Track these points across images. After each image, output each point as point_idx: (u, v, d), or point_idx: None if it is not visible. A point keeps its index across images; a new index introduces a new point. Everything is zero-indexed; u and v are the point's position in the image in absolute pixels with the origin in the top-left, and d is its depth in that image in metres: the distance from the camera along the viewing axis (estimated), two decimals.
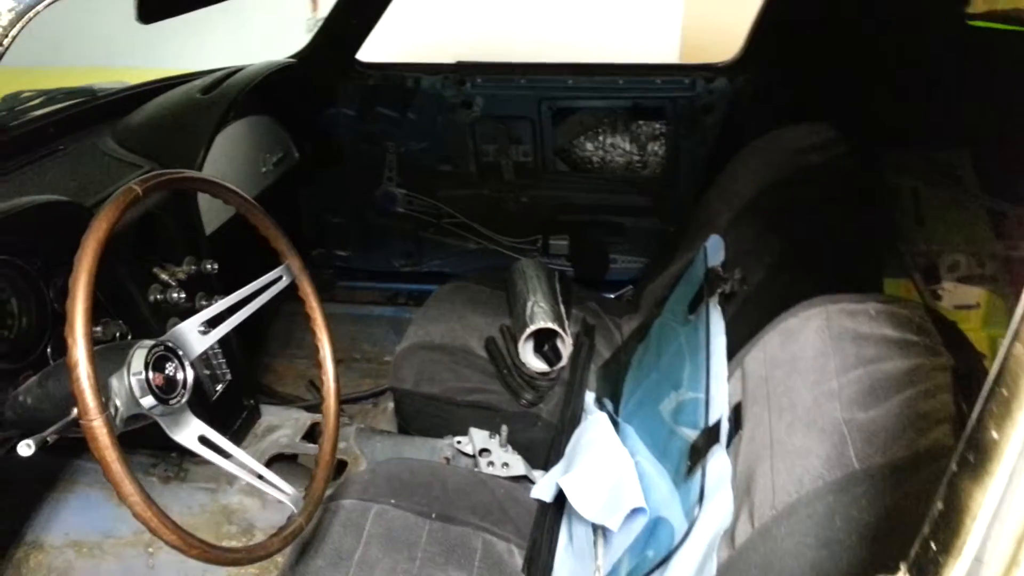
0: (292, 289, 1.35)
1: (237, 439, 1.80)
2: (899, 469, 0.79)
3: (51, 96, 1.76)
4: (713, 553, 0.99)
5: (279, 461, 1.83)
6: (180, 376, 1.11)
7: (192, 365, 1.14)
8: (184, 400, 1.12)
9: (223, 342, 1.74)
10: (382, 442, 1.78)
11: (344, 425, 1.87)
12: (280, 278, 1.31)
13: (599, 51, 2.62)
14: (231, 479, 1.71)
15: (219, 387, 1.72)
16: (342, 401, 2.28)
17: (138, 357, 1.06)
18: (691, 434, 1.22)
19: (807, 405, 0.95)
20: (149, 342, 1.09)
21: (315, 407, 2.24)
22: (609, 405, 1.72)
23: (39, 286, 1.32)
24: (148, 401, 1.06)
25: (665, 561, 1.08)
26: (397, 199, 2.41)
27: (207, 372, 1.69)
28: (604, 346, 1.97)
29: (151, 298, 1.53)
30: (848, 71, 1.85)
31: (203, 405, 1.67)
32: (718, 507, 1.04)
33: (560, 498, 1.46)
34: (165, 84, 1.94)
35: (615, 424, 1.59)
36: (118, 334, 1.45)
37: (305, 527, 1.17)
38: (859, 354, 0.95)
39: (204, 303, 1.64)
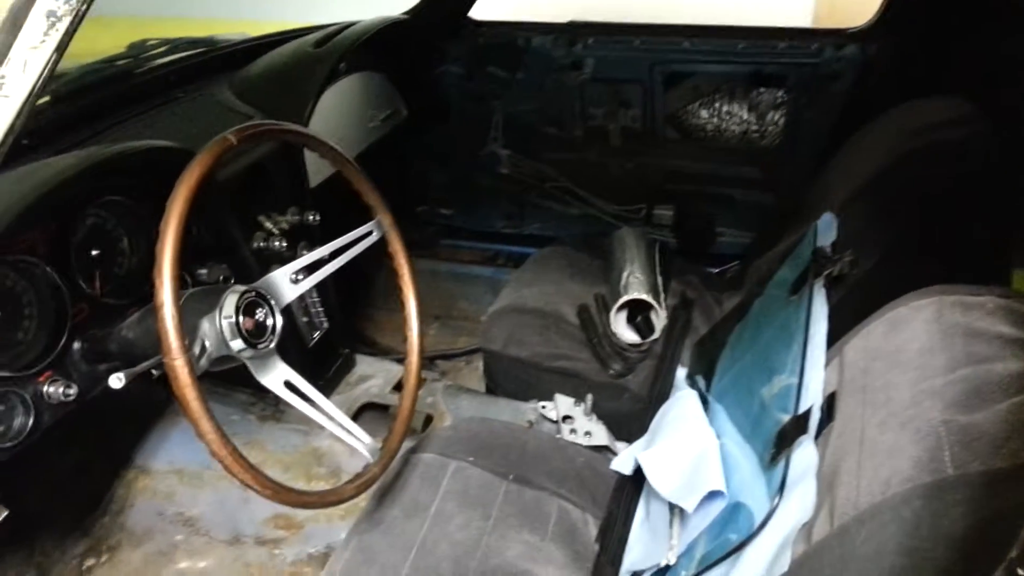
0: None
1: (330, 386, 1.86)
2: (997, 480, 0.71)
3: (174, 45, 1.84)
4: (788, 546, 0.94)
5: (370, 410, 1.88)
6: (269, 322, 1.15)
7: (282, 312, 1.17)
8: (272, 345, 1.15)
9: (322, 292, 1.80)
10: (468, 400, 1.80)
11: (433, 380, 1.90)
12: (371, 233, 1.33)
13: (724, 14, 2.49)
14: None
15: (316, 334, 1.78)
16: (435, 357, 2.34)
17: (230, 301, 1.10)
18: (781, 420, 1.16)
19: (904, 402, 0.88)
20: (241, 287, 1.13)
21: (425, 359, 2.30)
22: (701, 383, 1.66)
23: (149, 227, 1.39)
24: (237, 344, 1.09)
25: (740, 548, 1.04)
26: (502, 160, 2.40)
27: (304, 319, 1.75)
28: (702, 322, 1.90)
29: (255, 245, 1.59)
30: (993, 42, 1.68)
31: (299, 351, 1.74)
32: (799, 499, 0.98)
33: (639, 473, 1.42)
34: (282, 37, 2.00)
35: (705, 403, 1.54)
36: (221, 277, 1.52)
37: (379, 477, 1.19)
38: (969, 352, 0.86)
39: (304, 253, 1.68)
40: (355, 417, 1.82)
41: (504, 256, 2.51)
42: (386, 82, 2.15)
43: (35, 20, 0.68)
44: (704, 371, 1.71)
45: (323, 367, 1.84)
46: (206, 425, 0.92)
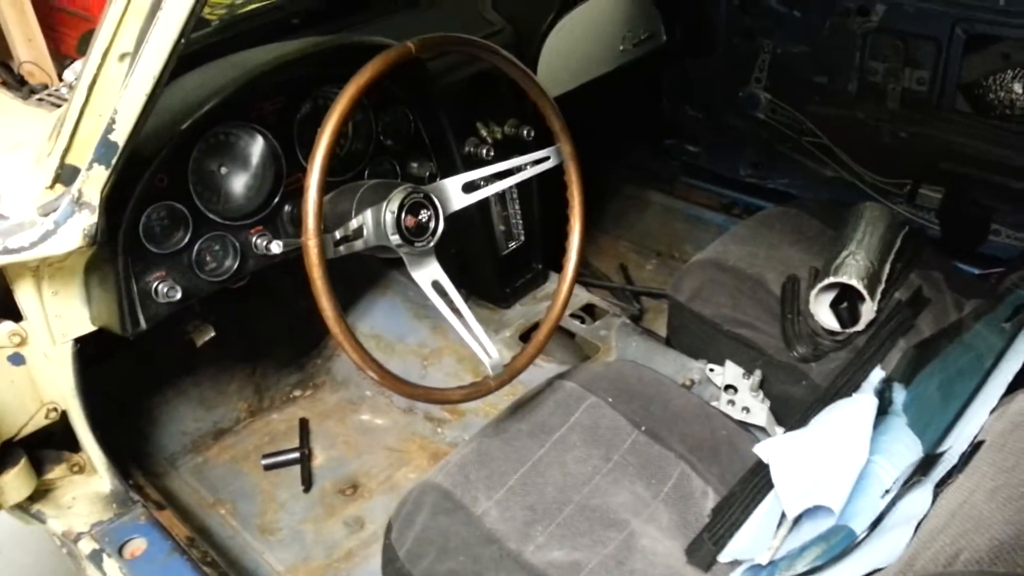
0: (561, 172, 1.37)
1: (515, 296, 1.94)
2: None
3: None
4: None
5: None
6: (432, 225, 1.22)
7: (447, 218, 1.24)
8: (430, 245, 1.24)
9: (524, 206, 1.86)
10: (638, 343, 1.78)
11: (614, 315, 1.89)
12: (548, 158, 1.33)
13: None
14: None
15: (511, 244, 1.85)
16: (627, 290, 2.30)
17: (396, 197, 1.19)
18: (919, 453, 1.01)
19: None
20: (411, 187, 1.21)
21: (617, 292, 2.30)
22: (900, 393, 1.48)
23: (370, 118, 1.52)
24: (395, 238, 1.19)
25: (814, 573, 0.95)
26: (761, 104, 2.22)
27: (503, 228, 1.83)
28: (929, 325, 1.66)
29: (465, 149, 1.67)
30: None
31: (491, 257, 1.82)
32: (888, 544, 0.87)
33: None
34: None
35: (884, 413, 1.38)
36: (428, 173, 1.63)
37: (492, 391, 1.25)
38: None
39: None
40: (530, 330, 1.89)
41: (741, 206, 2.37)
42: (650, 2, 2.07)
43: None
44: (905, 379, 1.51)
45: (511, 277, 1.91)
46: (325, 302, 1.03)
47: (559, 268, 1.37)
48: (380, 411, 1.99)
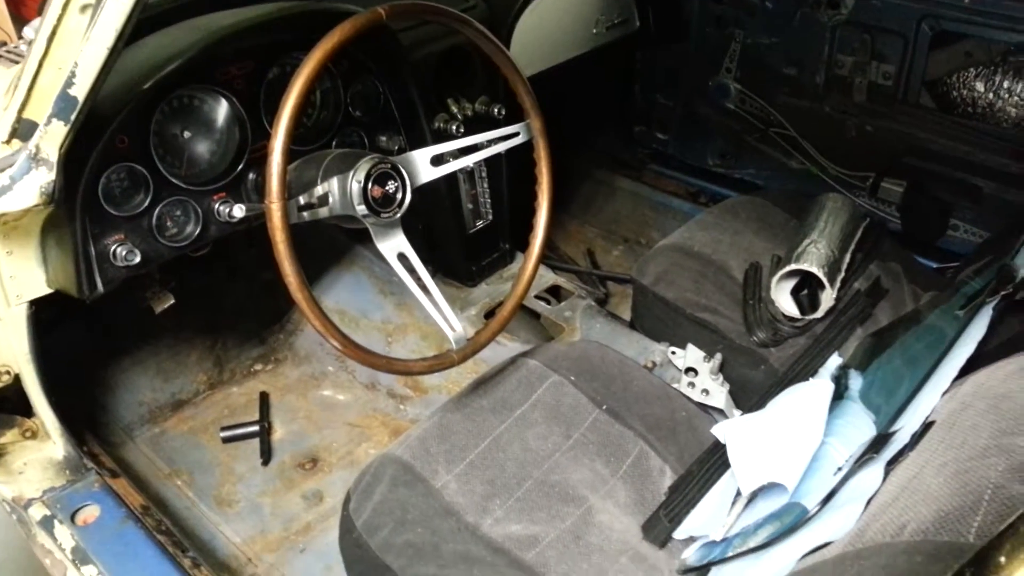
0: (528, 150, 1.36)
1: (481, 275, 1.94)
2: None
3: None
4: (798, 558, 0.86)
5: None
6: (399, 196, 1.21)
7: (415, 190, 1.24)
8: (396, 217, 1.23)
9: (493, 185, 1.85)
10: (602, 325, 1.79)
11: (580, 297, 1.90)
12: (517, 134, 1.33)
13: None
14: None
15: (479, 223, 1.85)
16: (593, 275, 2.31)
17: (363, 167, 1.18)
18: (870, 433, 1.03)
19: (975, 450, 0.75)
20: (378, 157, 1.20)
21: (584, 276, 2.31)
22: (854, 377, 1.51)
23: (339, 87, 1.51)
24: (361, 208, 1.18)
25: (765, 547, 0.97)
26: (730, 94, 2.24)
27: (470, 207, 1.82)
28: (886, 315, 1.70)
29: (435, 125, 1.66)
30: None
31: (457, 233, 1.82)
32: (840, 519, 0.89)
33: None
34: None
35: (840, 398, 1.40)
36: (397, 147, 1.61)
37: (455, 364, 1.25)
38: None
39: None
40: (493, 309, 1.89)
41: (708, 195, 2.38)
42: None
43: None
44: (860, 366, 1.54)
45: (477, 256, 1.91)
46: (288, 267, 1.02)
47: (526, 249, 1.37)
48: (342, 387, 1.98)
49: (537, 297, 1.89)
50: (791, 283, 1.65)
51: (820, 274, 1.57)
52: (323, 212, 1.16)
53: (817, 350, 1.59)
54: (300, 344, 2.08)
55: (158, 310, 1.48)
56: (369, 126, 1.58)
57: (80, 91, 0.98)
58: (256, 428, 1.82)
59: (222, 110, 1.36)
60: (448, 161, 1.30)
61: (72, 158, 1.11)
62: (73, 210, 1.20)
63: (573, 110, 2.26)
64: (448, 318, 1.25)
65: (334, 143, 1.53)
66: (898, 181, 2.02)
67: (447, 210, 1.78)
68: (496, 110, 1.71)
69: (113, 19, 0.89)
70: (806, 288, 1.64)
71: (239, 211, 1.18)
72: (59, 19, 0.91)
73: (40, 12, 1.85)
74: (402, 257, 1.26)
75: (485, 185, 1.82)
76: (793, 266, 1.59)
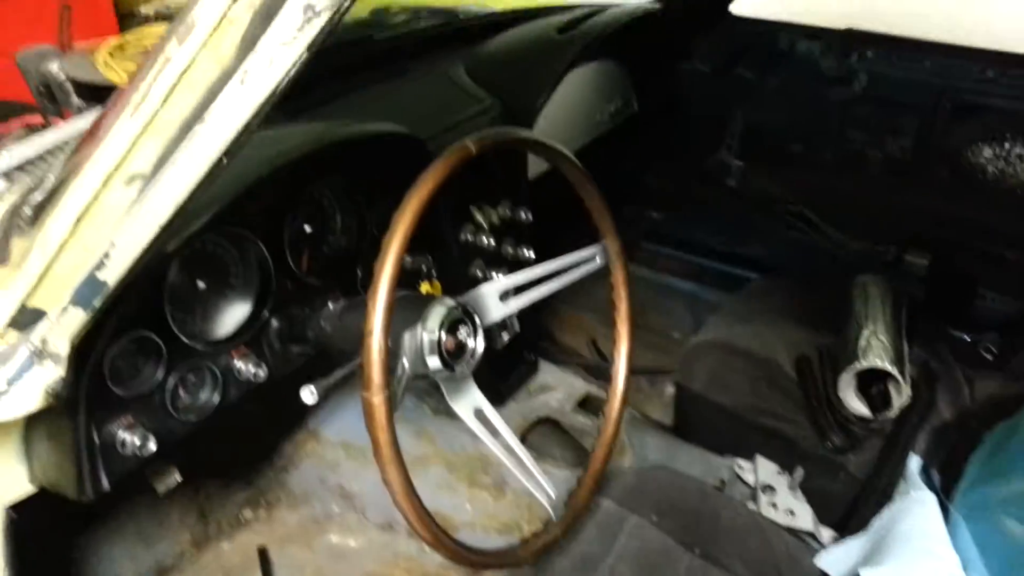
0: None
1: (510, 391, 1.76)
2: None
3: (416, 14, 1.76)
4: None
5: (544, 424, 1.76)
6: (471, 344, 1.03)
7: (484, 334, 1.05)
8: (470, 370, 1.04)
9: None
10: (655, 439, 1.63)
11: None
12: (594, 258, 1.18)
13: None
14: None
15: (506, 337, 1.67)
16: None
17: (435, 314, 0.99)
18: None
19: None
20: (450, 301, 1.02)
21: (593, 369, 2.15)
22: (937, 479, 1.40)
23: (362, 210, 1.32)
24: (434, 362, 0.99)
25: None
26: (731, 171, 2.16)
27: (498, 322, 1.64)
28: (945, 402, 1.61)
29: (462, 238, 1.49)
30: None
31: (486, 353, 1.63)
32: None
33: None
34: (525, 14, 1.86)
35: (944, 511, 1.28)
36: (424, 267, 1.43)
37: (561, 539, 1.06)
38: None
39: (510, 251, 1.57)
40: (529, 430, 1.71)
41: (711, 273, 2.28)
42: (622, 73, 1.97)
43: (290, 12, 0.57)
44: (945, 467, 1.43)
45: (508, 371, 1.73)
46: (393, 473, 0.83)
47: (609, 386, 1.21)
48: (352, 530, 1.74)
49: (575, 411, 1.72)
50: (855, 380, 1.54)
51: (893, 370, 1.47)
52: (401, 388, 0.95)
53: (896, 453, 1.47)
54: (295, 482, 1.83)
55: (162, 491, 1.23)
56: None
57: (112, 274, 0.76)
58: None
59: (242, 253, 1.15)
60: (517, 295, 1.13)
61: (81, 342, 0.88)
62: (76, 398, 0.96)
63: (568, 207, 2.14)
64: (541, 482, 1.06)
65: (360, 273, 1.33)
66: (922, 253, 1.97)
67: None
68: (523, 214, 1.56)
69: (172, 192, 0.69)
70: (873, 384, 1.53)
71: (309, 396, 0.95)
72: (96, 194, 0.70)
73: None
74: (479, 414, 1.07)
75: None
76: (864, 365, 1.48)
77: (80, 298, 0.79)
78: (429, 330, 0.98)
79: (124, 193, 0.70)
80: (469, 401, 1.06)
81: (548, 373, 1.83)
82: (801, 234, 2.13)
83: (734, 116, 2.09)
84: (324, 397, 0.91)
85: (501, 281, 1.10)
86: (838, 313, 1.72)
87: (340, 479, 1.78)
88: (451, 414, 1.64)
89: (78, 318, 0.81)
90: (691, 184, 2.26)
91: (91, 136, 0.75)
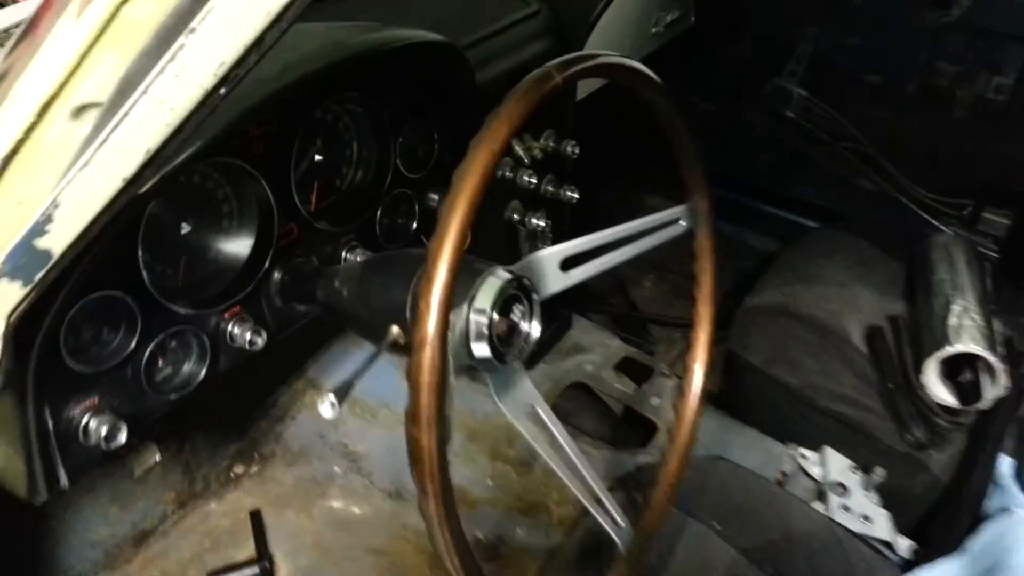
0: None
1: (540, 351, 1.54)
2: None
3: None
4: None
5: (574, 389, 1.56)
6: (525, 327, 0.80)
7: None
8: (522, 359, 0.82)
9: (557, 229, 1.45)
10: (708, 420, 1.43)
11: (664, 375, 1.54)
12: (676, 221, 0.94)
13: None
14: None
15: None
16: (651, 320, 1.96)
17: (487, 291, 0.76)
18: None
19: None
20: (504, 273, 0.78)
21: (623, 321, 1.95)
22: None
23: (386, 137, 1.06)
24: (482, 350, 0.76)
25: None
26: (792, 100, 1.89)
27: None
28: None
29: (498, 173, 1.24)
30: None
31: None
32: None
33: None
34: None
35: None
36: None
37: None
38: None
39: (550, 189, 1.33)
40: (560, 396, 1.51)
41: (760, 217, 2.04)
42: None
43: None
44: None
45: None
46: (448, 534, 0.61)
47: (683, 380, 0.99)
48: (356, 496, 1.55)
49: (614, 372, 1.51)
50: (941, 364, 1.33)
51: (990, 357, 1.26)
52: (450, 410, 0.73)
53: (983, 452, 1.29)
54: (291, 435, 1.63)
55: (139, 472, 1.02)
56: (418, 185, 1.15)
57: (57, 242, 0.52)
58: (256, 570, 1.38)
59: (238, 188, 0.91)
60: (581, 263, 0.90)
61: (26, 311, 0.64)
62: (23, 382, 0.73)
63: (625, 133, 1.87)
64: (608, 506, 0.85)
65: (379, 214, 1.09)
66: (1002, 211, 1.74)
67: None
68: (570, 148, 1.31)
69: (141, 135, 0.44)
70: (960, 370, 1.33)
71: (329, 409, 0.72)
72: (28, 130, 0.45)
73: None
74: (533, 416, 0.85)
75: (549, 232, 1.41)
76: (956, 348, 1.27)
77: (13, 270, 0.55)
78: (478, 310, 0.75)
79: (71, 129, 0.45)
80: (520, 399, 0.83)
81: (581, 331, 1.62)
82: (859, 176, 1.89)
83: (804, 36, 1.82)
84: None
85: (560, 247, 0.86)
86: (912, 276, 1.51)
87: (342, 437, 1.59)
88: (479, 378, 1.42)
89: (13, 293, 0.58)
90: (743, 111, 1.99)
91: (30, 34, 0.50)
